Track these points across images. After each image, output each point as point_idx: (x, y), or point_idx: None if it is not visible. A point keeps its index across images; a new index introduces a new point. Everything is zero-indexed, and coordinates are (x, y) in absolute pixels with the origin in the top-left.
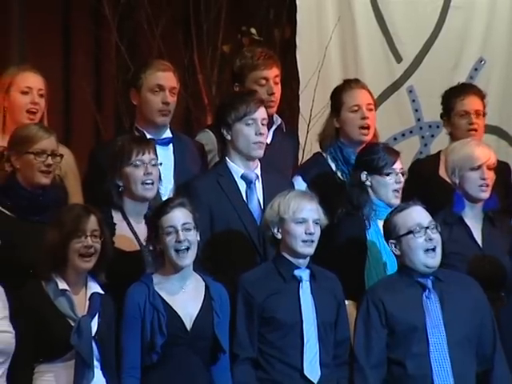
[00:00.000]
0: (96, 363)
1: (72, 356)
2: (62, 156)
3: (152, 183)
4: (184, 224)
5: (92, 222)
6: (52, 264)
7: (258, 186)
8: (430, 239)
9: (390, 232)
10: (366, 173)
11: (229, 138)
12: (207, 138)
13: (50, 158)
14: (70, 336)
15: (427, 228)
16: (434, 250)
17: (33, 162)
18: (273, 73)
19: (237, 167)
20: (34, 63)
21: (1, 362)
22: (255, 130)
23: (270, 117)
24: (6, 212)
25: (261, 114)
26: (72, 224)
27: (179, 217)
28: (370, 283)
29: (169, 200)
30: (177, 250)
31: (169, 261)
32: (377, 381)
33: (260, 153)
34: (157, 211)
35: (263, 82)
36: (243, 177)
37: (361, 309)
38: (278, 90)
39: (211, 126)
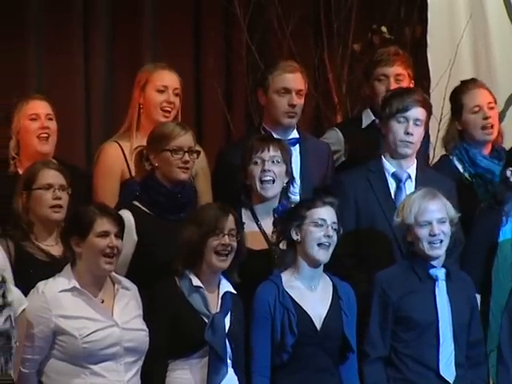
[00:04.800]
0: (228, 361)
1: (205, 352)
2: (198, 152)
3: (272, 181)
4: (333, 222)
5: (230, 222)
6: (188, 260)
7: (410, 185)
8: None
9: None
10: (511, 170)
11: (383, 132)
12: (335, 138)
13: (186, 154)
14: (203, 332)
15: None
16: None
17: (170, 159)
18: (394, 70)
19: (389, 165)
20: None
21: (135, 360)
22: (405, 128)
23: None
24: (145, 210)
25: (414, 113)
26: (211, 222)
27: (330, 214)
28: (496, 282)
29: (320, 195)
30: (320, 244)
31: (306, 255)
32: None
33: (406, 151)
34: (306, 203)
35: (382, 78)
36: (394, 175)
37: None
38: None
39: (340, 125)
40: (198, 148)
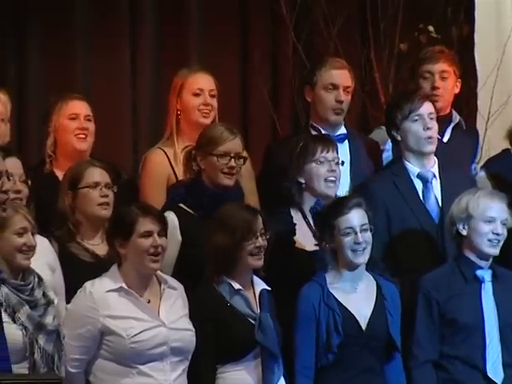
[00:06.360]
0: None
1: (257, 354)
2: (246, 158)
3: (334, 181)
4: (362, 225)
5: (260, 222)
6: (222, 266)
7: (435, 184)
8: None
9: None
10: None
11: (399, 138)
12: (382, 136)
13: (233, 160)
14: (252, 333)
15: None
16: None
17: (216, 164)
18: (439, 67)
19: (413, 166)
20: (211, 64)
21: (181, 360)
22: (423, 125)
23: (447, 113)
24: (189, 210)
25: (426, 108)
26: (244, 226)
27: (357, 218)
28: None
29: (345, 199)
30: (354, 250)
31: (343, 260)
32: None
33: (432, 148)
34: (332, 210)
35: (427, 75)
36: (419, 176)
37: None
38: (444, 86)
39: None
40: (245, 154)
